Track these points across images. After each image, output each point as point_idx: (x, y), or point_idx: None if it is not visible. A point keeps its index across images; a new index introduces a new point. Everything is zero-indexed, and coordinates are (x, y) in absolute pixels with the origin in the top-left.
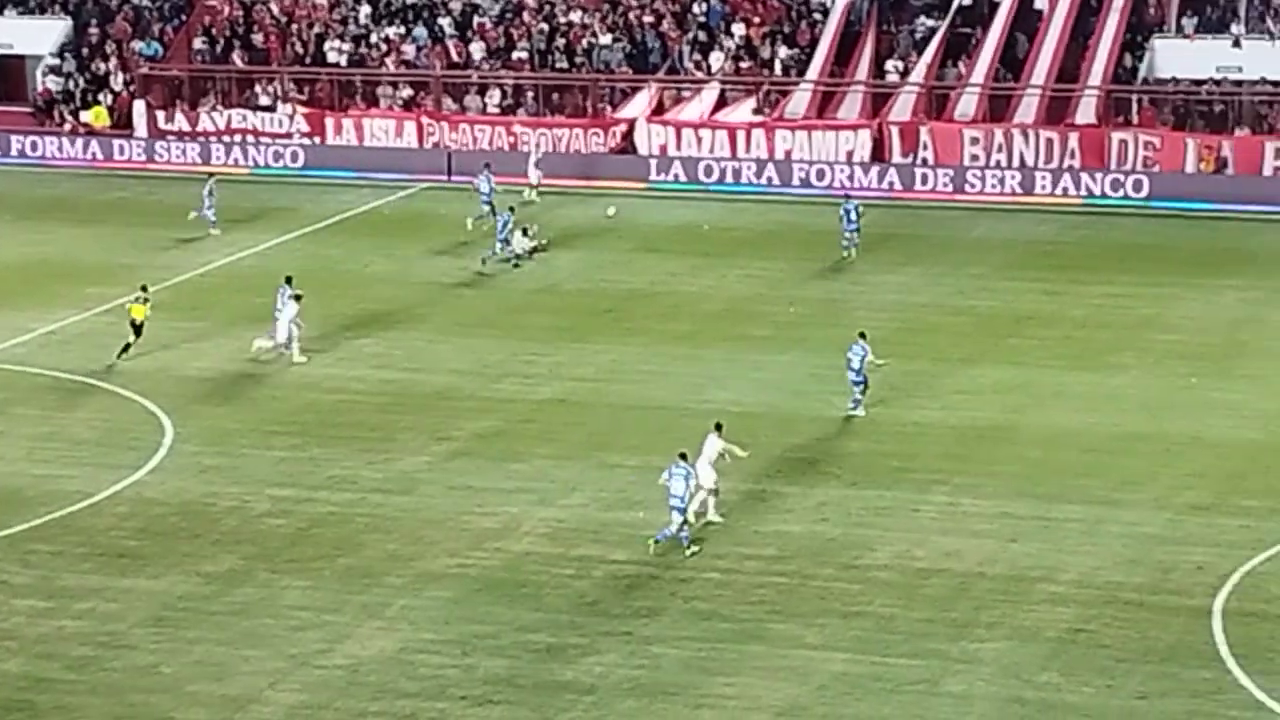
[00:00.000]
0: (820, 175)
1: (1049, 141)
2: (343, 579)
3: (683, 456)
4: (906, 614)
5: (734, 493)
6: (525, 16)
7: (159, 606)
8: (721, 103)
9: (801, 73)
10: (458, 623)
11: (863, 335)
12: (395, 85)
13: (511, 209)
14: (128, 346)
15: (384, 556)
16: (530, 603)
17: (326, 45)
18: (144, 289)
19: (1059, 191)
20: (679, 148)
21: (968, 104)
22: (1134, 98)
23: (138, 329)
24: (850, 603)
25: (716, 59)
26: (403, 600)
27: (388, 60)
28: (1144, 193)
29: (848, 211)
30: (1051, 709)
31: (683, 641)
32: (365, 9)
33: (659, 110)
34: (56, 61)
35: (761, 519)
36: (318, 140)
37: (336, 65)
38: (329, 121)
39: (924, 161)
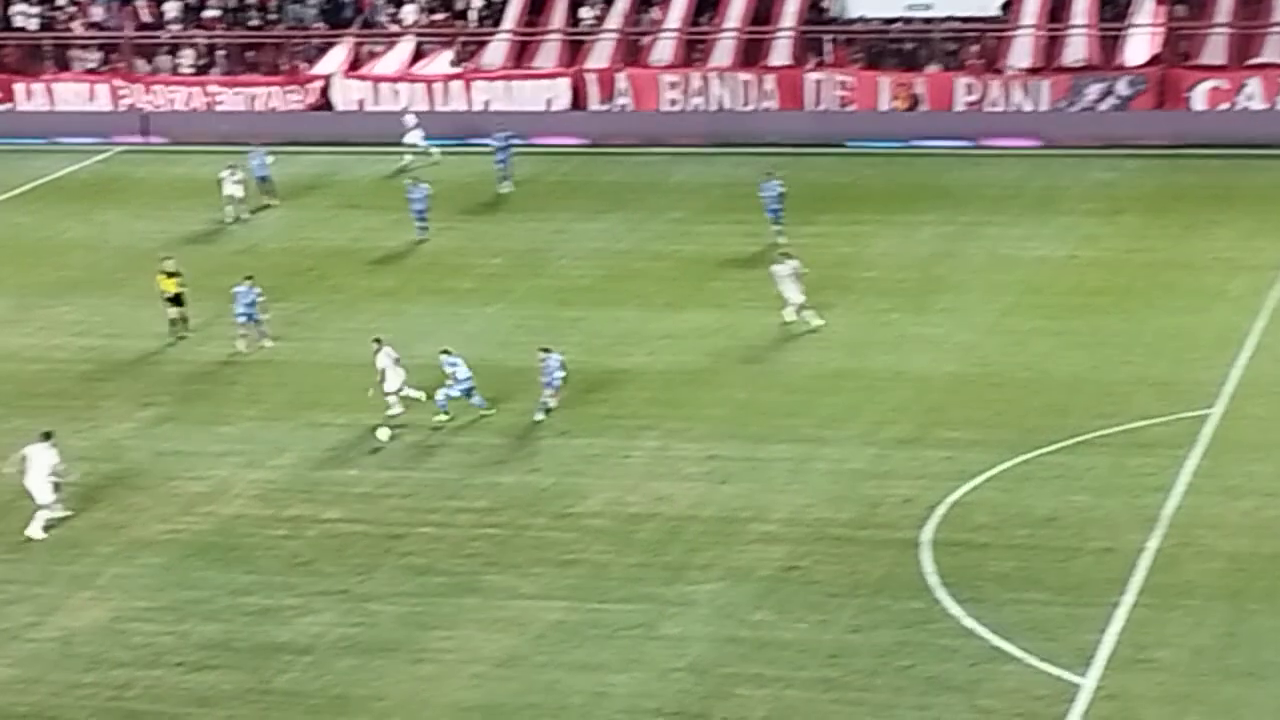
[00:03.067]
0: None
1: (745, 84)
2: (51, 550)
3: (445, 352)
4: (621, 560)
5: (446, 446)
6: None
7: None
8: (418, 56)
9: (496, 23)
10: (171, 589)
11: (546, 349)
12: (85, 48)
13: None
14: (184, 321)
15: (93, 526)
16: (243, 565)
17: (13, 9)
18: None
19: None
20: (377, 102)
21: (664, 49)
22: (827, 38)
23: (177, 300)
24: (564, 551)
25: (410, 11)
26: (114, 569)
27: (75, 23)
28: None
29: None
30: (766, 646)
31: (399, 597)
32: None
33: (355, 65)
34: None
35: (473, 471)
36: (9, 106)
37: (24, 30)
38: (18, 87)
39: (622, 108)
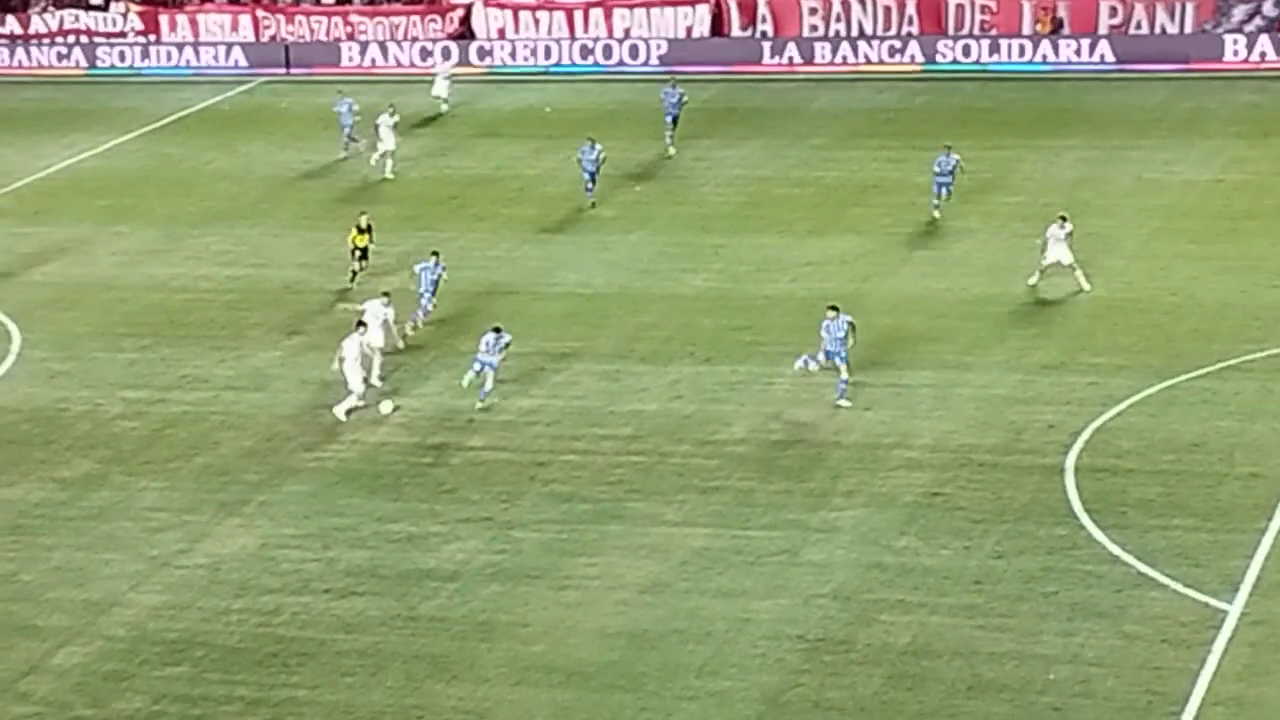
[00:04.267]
0: (660, 51)
1: (886, 9)
2: (199, 478)
3: (496, 330)
4: (764, 487)
5: (587, 374)
6: None
7: (14, 515)
8: None
9: None
10: (317, 516)
11: (834, 308)
12: None
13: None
14: (354, 274)
15: (240, 454)
16: (389, 493)
17: None
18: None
19: (899, 59)
20: (517, 30)
21: None
22: None
23: (364, 254)
24: (708, 478)
25: None
26: (261, 497)
27: None
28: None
29: (668, 95)
30: (910, 573)
31: (543, 525)
32: None
33: None
34: None
35: (616, 399)
36: (153, 38)
37: None
38: (163, 19)
39: (763, 35)
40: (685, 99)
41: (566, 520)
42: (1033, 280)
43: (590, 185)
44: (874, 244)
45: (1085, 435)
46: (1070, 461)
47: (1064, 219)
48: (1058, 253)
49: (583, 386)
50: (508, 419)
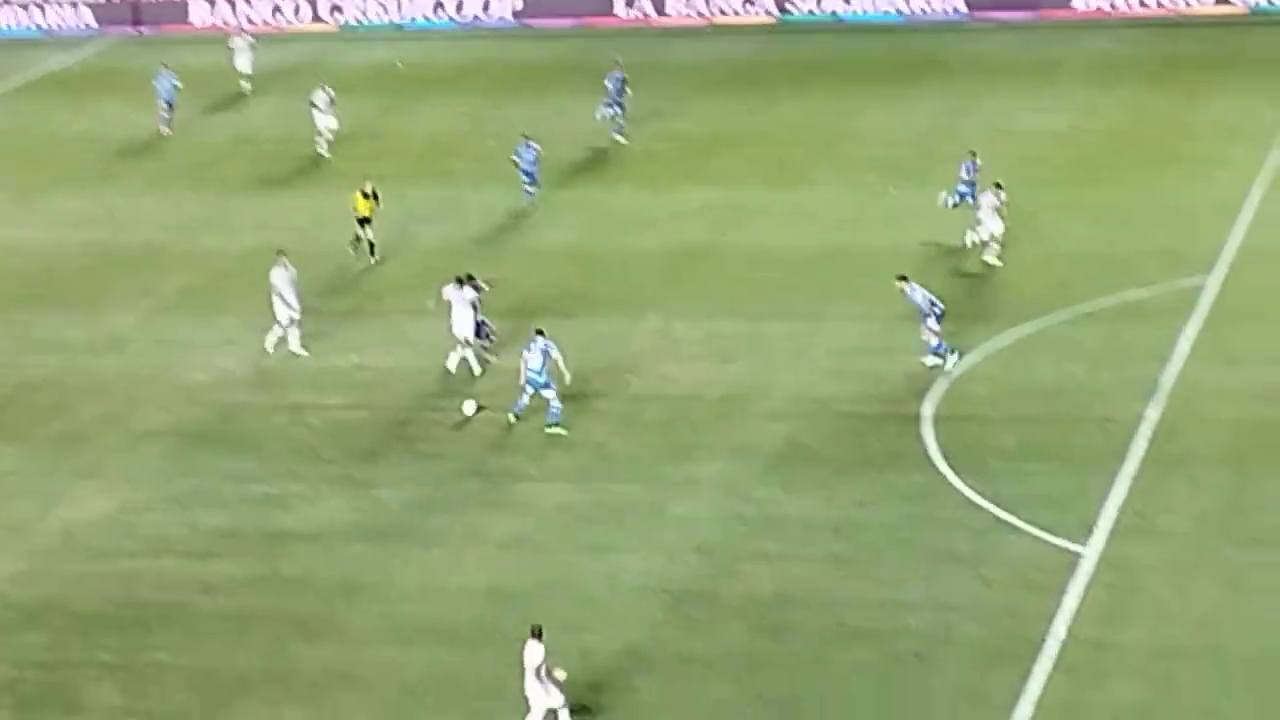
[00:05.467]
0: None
1: None
2: (56, 443)
3: (540, 332)
4: (626, 441)
5: (444, 330)
6: None
7: None
8: None
9: None
10: (176, 479)
11: (903, 278)
12: None
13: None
14: (370, 245)
15: (97, 418)
16: (249, 454)
17: None
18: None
19: (753, 10)
20: None
21: None
22: None
23: (366, 222)
24: (570, 433)
25: None
26: (118, 460)
27: None
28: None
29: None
30: (773, 523)
31: (405, 483)
32: None
33: None
34: None
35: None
36: None
37: None
38: None
39: None
40: (626, 79)
41: (429, 478)
42: (970, 241)
43: (529, 186)
44: (730, 195)
45: (943, 384)
46: (928, 410)
47: (999, 186)
48: (994, 225)
49: (442, 344)
50: (367, 377)
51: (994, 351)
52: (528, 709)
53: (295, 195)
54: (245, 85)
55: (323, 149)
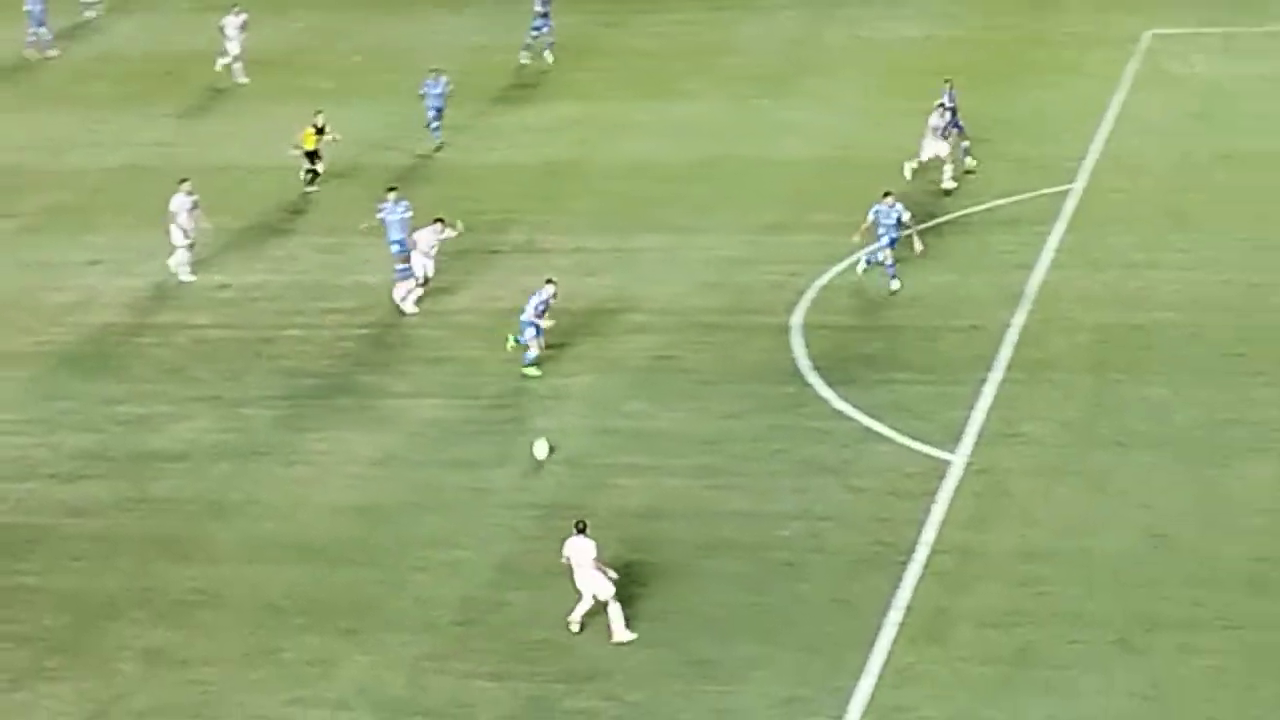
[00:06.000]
0: None
1: None
2: None
3: (550, 281)
4: (493, 355)
5: (308, 247)
6: None
7: None
8: None
9: None
10: (40, 402)
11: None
12: None
13: None
14: (314, 176)
15: None
16: (114, 375)
17: None
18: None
19: None
20: None
21: None
22: None
23: (311, 155)
24: (436, 349)
25: None
26: None
27: None
28: None
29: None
30: (642, 436)
31: (271, 401)
32: None
33: None
34: None
35: (339, 272)
36: None
37: None
38: None
39: None
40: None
41: (295, 396)
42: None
43: (436, 123)
44: (596, 108)
45: (810, 294)
46: (796, 320)
47: (943, 106)
48: (935, 147)
49: (304, 261)
50: (230, 296)
51: (860, 260)
52: (578, 598)
53: (161, 112)
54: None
55: (240, 77)
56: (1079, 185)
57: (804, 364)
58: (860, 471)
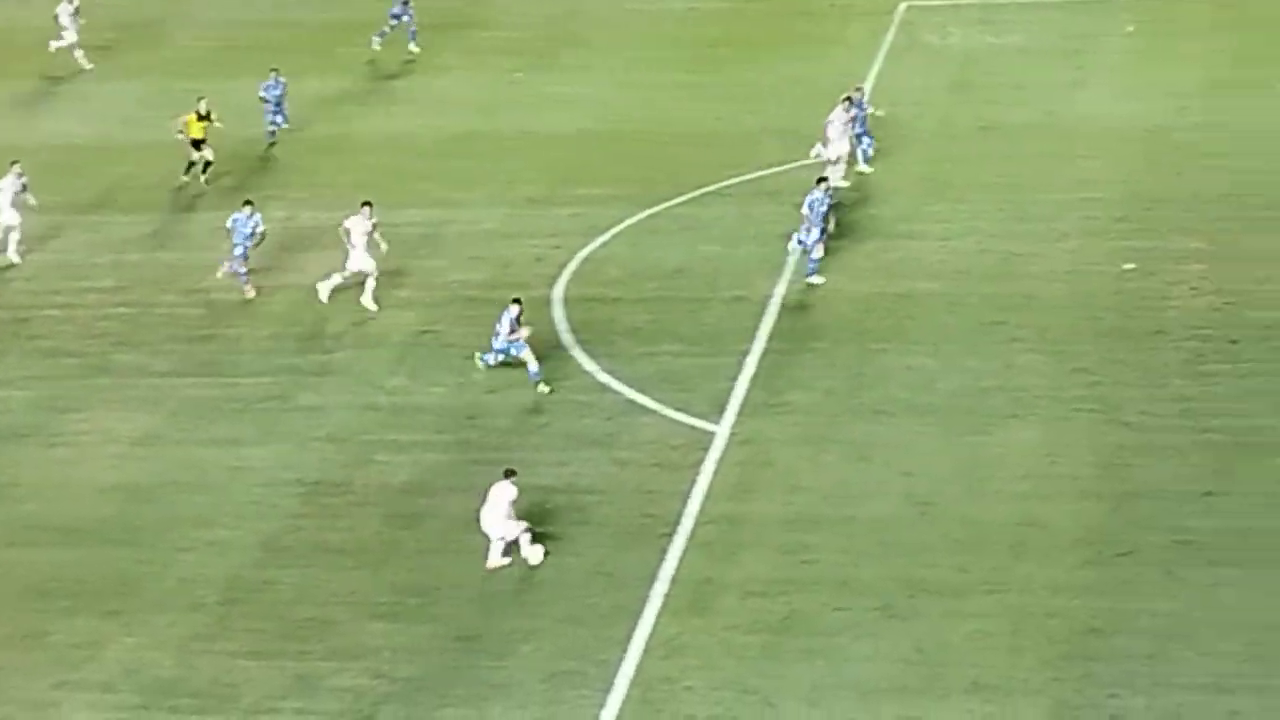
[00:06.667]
0: None
1: None
2: None
3: (516, 301)
4: (254, 333)
5: (68, 225)
6: None
7: None
8: None
9: None
10: None
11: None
12: None
13: None
14: (195, 165)
15: None
16: None
17: None
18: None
19: None
20: None
21: None
22: None
23: (197, 144)
24: (195, 327)
25: None
26: None
27: None
28: None
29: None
30: (404, 411)
31: (29, 382)
32: None
33: None
34: None
35: (97, 250)
36: None
37: None
38: None
39: None
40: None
41: (53, 376)
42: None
43: (273, 128)
44: (355, 83)
45: (572, 266)
46: (558, 293)
47: (849, 100)
48: (843, 146)
49: (64, 239)
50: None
51: (622, 232)
52: (487, 544)
53: None
54: None
55: (83, 63)
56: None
57: (567, 337)
58: (625, 444)
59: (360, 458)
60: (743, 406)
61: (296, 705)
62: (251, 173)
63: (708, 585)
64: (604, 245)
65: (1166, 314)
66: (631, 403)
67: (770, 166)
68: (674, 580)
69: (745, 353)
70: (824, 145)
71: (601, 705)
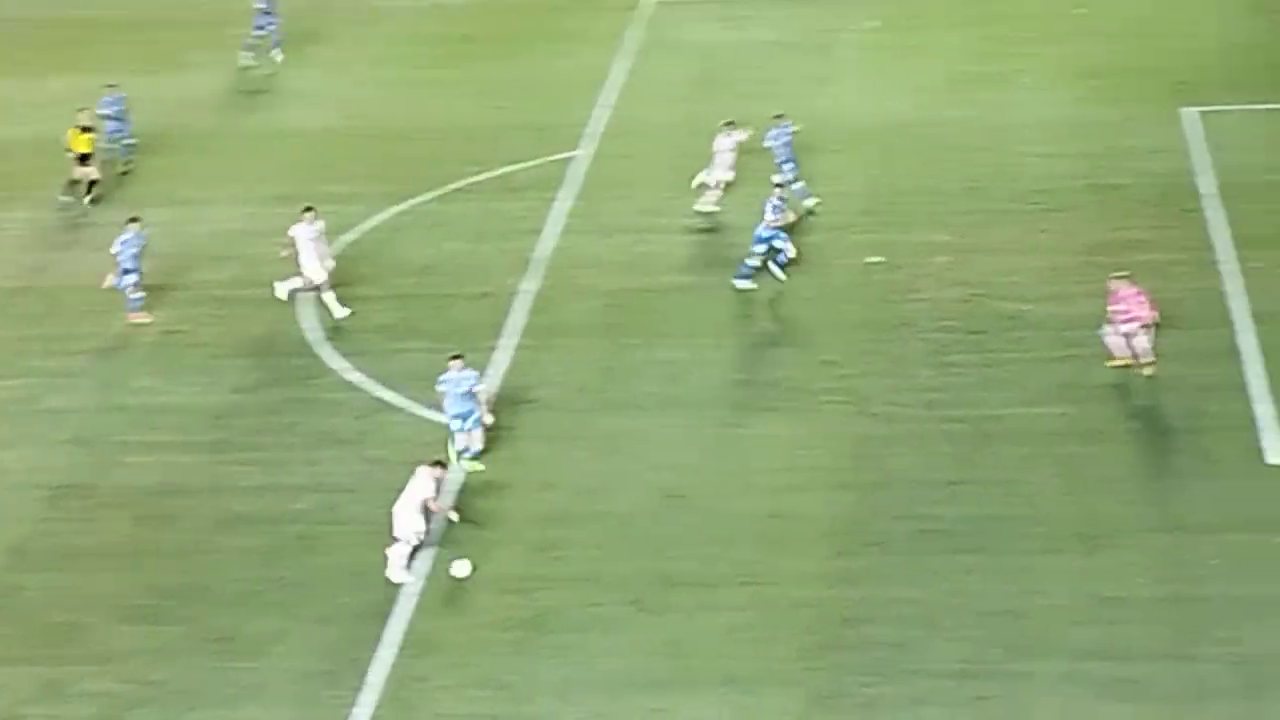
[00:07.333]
0: None
1: None
2: None
3: (456, 357)
4: (3, 334)
5: None
6: None
7: None
8: None
9: None
10: None
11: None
12: None
13: None
14: (79, 183)
15: None
16: None
17: None
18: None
19: None
20: None
21: None
22: None
23: (83, 159)
24: None
25: None
26: None
27: None
28: None
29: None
30: (153, 413)
31: None
32: None
33: None
34: None
35: None
36: None
37: None
38: None
39: None
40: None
41: None
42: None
43: (123, 141)
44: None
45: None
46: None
47: (732, 124)
48: (720, 166)
49: None
50: None
51: (370, 230)
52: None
53: None
54: None
55: None
56: (586, 151)
57: (315, 335)
58: (376, 442)
59: (109, 460)
60: (493, 403)
61: (46, 711)
62: (13, 174)
63: (460, 582)
64: (352, 243)
65: (913, 306)
66: (381, 401)
67: (516, 162)
68: (427, 578)
69: (493, 349)
70: (710, 170)
71: (355, 705)
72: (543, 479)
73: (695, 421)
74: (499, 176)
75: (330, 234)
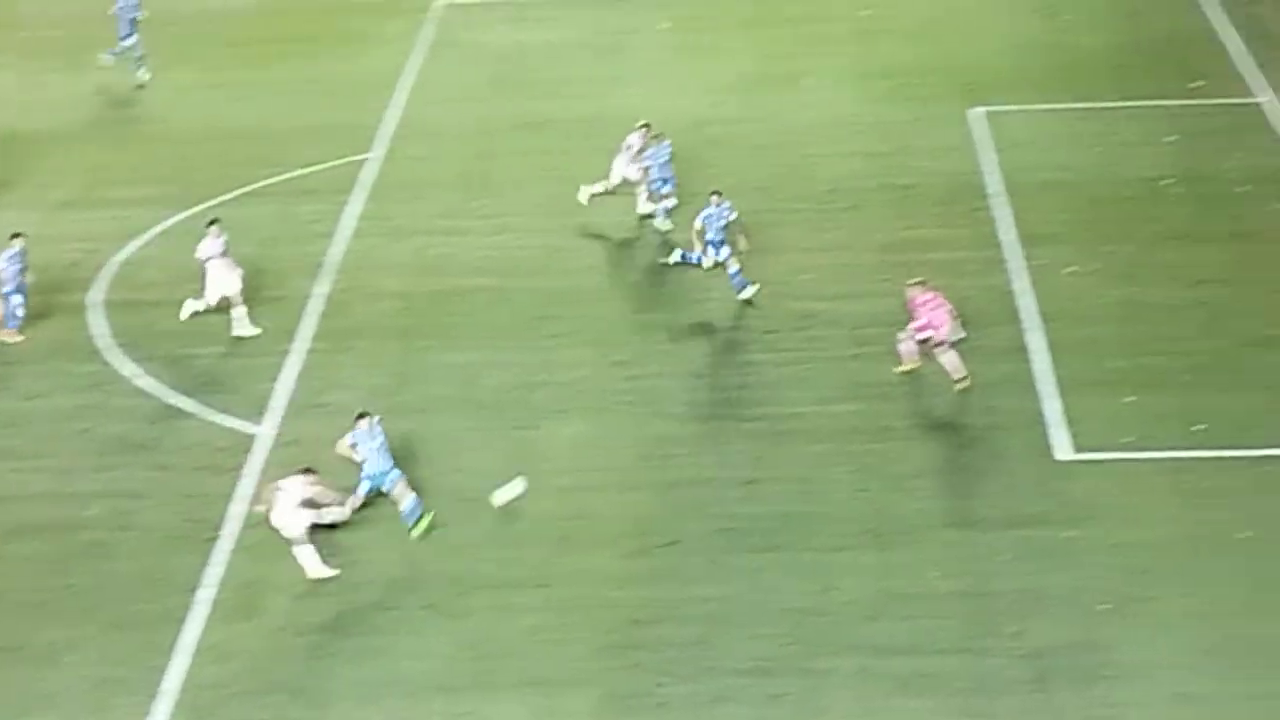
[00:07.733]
0: None
1: None
2: None
3: (362, 415)
4: None
5: None
6: None
7: None
8: None
9: None
10: None
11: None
12: None
13: None
14: None
15: None
16: None
17: None
18: None
19: None
20: None
21: None
22: None
23: None
24: None
25: None
26: None
27: None
28: None
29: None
30: None
31: None
32: None
33: None
34: None
35: None
36: None
37: None
38: None
39: None
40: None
41: None
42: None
43: None
44: None
45: (109, 269)
46: (95, 297)
47: (647, 125)
48: (619, 167)
49: None
50: None
51: (161, 234)
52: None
53: None
54: None
55: None
56: (378, 153)
57: (104, 341)
58: (167, 448)
59: None
60: (286, 408)
61: None
62: None
63: (255, 588)
64: (142, 248)
65: (707, 306)
66: (172, 407)
67: (309, 165)
68: (221, 584)
69: (286, 353)
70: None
71: (149, 713)
72: (339, 483)
73: (491, 423)
74: (291, 179)
75: (119, 240)
